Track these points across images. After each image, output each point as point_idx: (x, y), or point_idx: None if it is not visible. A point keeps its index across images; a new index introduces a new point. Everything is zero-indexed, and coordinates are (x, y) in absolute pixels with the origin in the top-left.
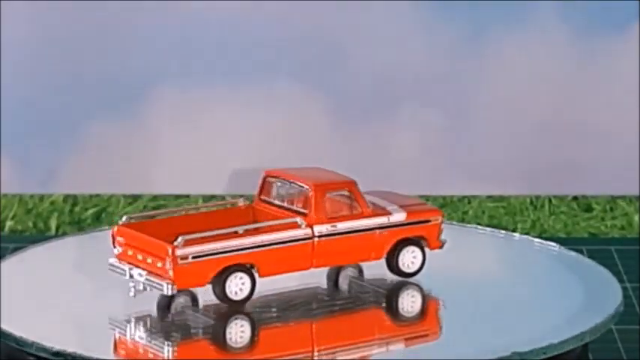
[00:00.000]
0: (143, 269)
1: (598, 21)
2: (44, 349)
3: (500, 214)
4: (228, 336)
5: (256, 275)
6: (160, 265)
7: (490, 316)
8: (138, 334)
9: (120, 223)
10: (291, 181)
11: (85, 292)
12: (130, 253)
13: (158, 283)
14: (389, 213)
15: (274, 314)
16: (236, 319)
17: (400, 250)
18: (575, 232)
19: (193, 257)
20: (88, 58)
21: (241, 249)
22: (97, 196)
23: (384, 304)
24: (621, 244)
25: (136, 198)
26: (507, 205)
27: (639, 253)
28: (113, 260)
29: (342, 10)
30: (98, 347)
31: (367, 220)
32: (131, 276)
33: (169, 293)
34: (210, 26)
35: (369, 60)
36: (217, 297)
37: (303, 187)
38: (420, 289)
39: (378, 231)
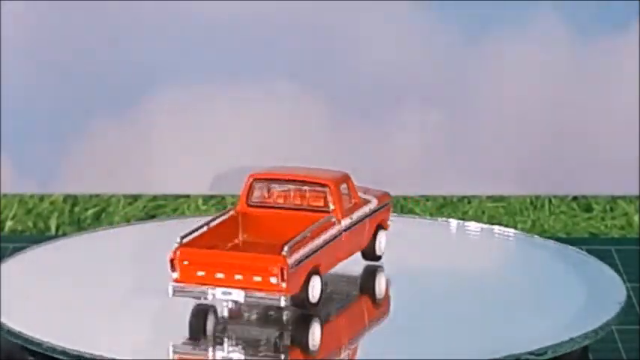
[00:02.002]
0: (230, 287)
1: (598, 21)
2: (47, 348)
3: (500, 214)
4: (310, 341)
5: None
6: (258, 278)
7: (491, 316)
8: (222, 355)
9: (177, 244)
10: (298, 180)
11: (85, 292)
12: (202, 273)
13: (271, 297)
14: (369, 201)
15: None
16: (311, 323)
17: (375, 235)
18: (575, 232)
19: (295, 265)
20: (88, 58)
21: (314, 252)
22: (97, 196)
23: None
24: (621, 244)
25: (136, 198)
26: (507, 205)
27: (639, 253)
28: (176, 285)
29: (341, 9)
30: (100, 347)
31: (361, 209)
32: (210, 297)
33: (284, 305)
34: (210, 26)
35: (369, 60)
36: (298, 302)
37: (318, 184)
38: (383, 270)
39: (367, 219)
